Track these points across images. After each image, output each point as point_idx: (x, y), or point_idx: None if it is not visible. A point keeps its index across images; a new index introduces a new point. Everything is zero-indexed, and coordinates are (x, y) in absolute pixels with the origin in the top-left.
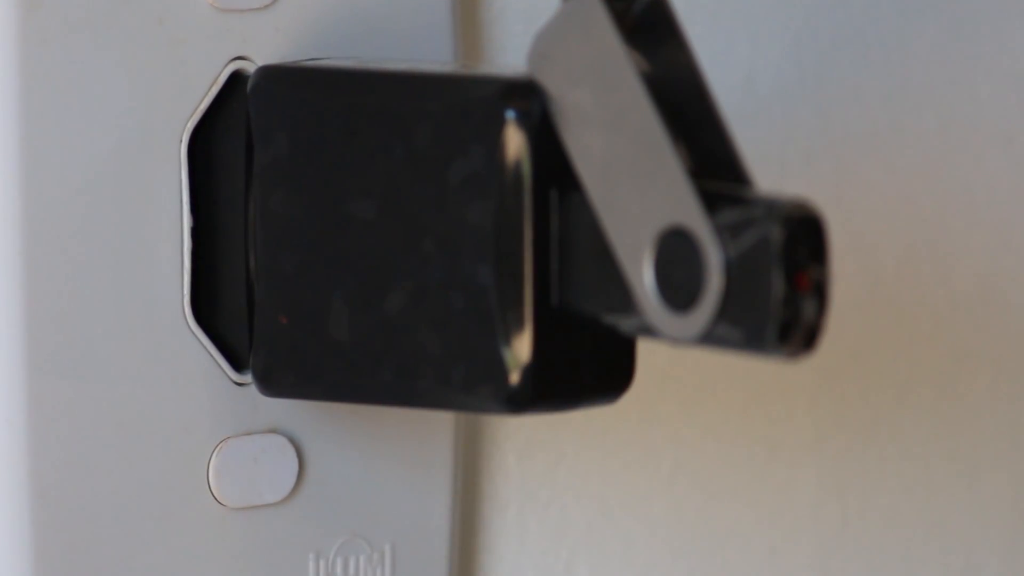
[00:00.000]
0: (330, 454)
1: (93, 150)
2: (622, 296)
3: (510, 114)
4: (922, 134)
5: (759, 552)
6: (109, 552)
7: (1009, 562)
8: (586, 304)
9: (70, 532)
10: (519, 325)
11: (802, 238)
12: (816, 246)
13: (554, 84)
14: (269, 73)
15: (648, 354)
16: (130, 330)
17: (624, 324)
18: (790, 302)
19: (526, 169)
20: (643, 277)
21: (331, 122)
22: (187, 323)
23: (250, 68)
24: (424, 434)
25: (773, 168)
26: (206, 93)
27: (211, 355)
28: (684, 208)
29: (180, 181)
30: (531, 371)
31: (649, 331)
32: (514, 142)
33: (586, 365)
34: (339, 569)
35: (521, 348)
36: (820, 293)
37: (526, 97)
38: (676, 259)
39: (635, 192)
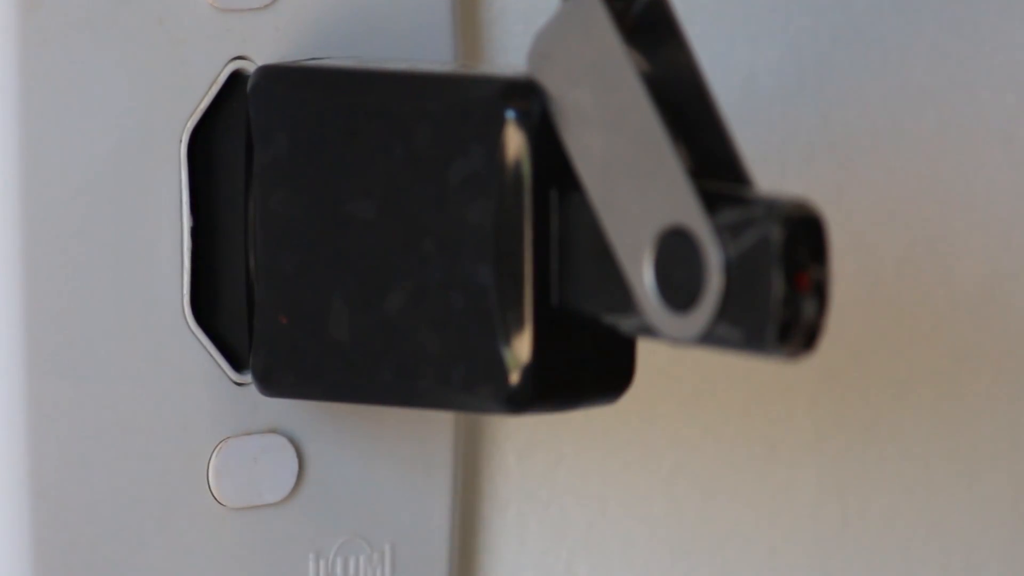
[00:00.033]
0: (330, 454)
1: (93, 150)
2: (622, 296)
3: (510, 114)
4: (922, 134)
5: (759, 552)
6: (109, 552)
7: (1009, 562)
8: (586, 304)
9: (70, 532)
10: (519, 325)
11: (802, 238)
12: (816, 246)
13: (554, 84)
14: (269, 73)
15: (648, 354)
16: (130, 330)
17: (624, 324)
18: (790, 302)
19: (526, 169)
20: (643, 277)
21: (331, 122)
22: (187, 323)
23: (250, 68)
24: (424, 434)
25: (773, 168)
26: (206, 93)
27: (211, 355)
28: (684, 208)
29: (180, 181)
30: (531, 371)
31: (649, 331)
32: (514, 142)
33: (586, 365)
34: (339, 569)
35: (521, 348)
36: (820, 293)
37: (526, 97)
38: (676, 259)
39: (635, 192)
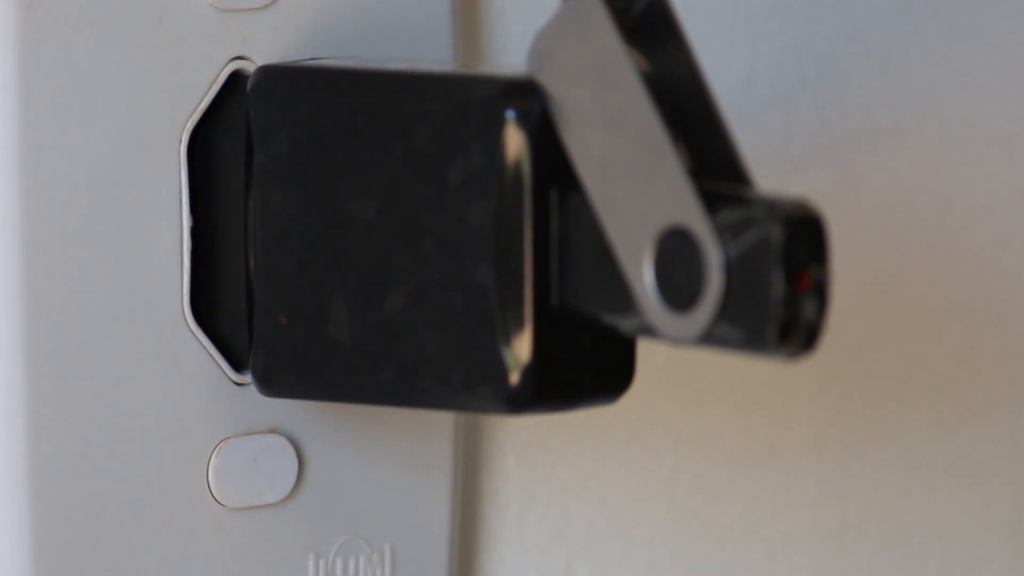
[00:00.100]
0: (330, 454)
1: (93, 150)
2: (622, 296)
3: (510, 114)
4: (922, 134)
5: (759, 553)
6: (109, 552)
7: (1009, 562)
8: (586, 304)
9: (70, 532)
10: (519, 325)
11: (802, 238)
12: (816, 246)
13: (554, 84)
14: (269, 73)
15: (648, 354)
16: (130, 330)
17: (624, 324)
18: (790, 302)
19: (526, 169)
20: (643, 277)
21: (331, 122)
22: (187, 323)
23: (250, 68)
24: (424, 434)
25: (773, 168)
26: (206, 93)
27: (211, 355)
28: (684, 208)
29: (180, 181)
30: (531, 371)
31: (649, 331)
32: (514, 142)
33: (586, 365)
34: (339, 569)
35: (521, 348)
36: (820, 293)
37: (526, 97)
38: (676, 259)
39: (635, 192)
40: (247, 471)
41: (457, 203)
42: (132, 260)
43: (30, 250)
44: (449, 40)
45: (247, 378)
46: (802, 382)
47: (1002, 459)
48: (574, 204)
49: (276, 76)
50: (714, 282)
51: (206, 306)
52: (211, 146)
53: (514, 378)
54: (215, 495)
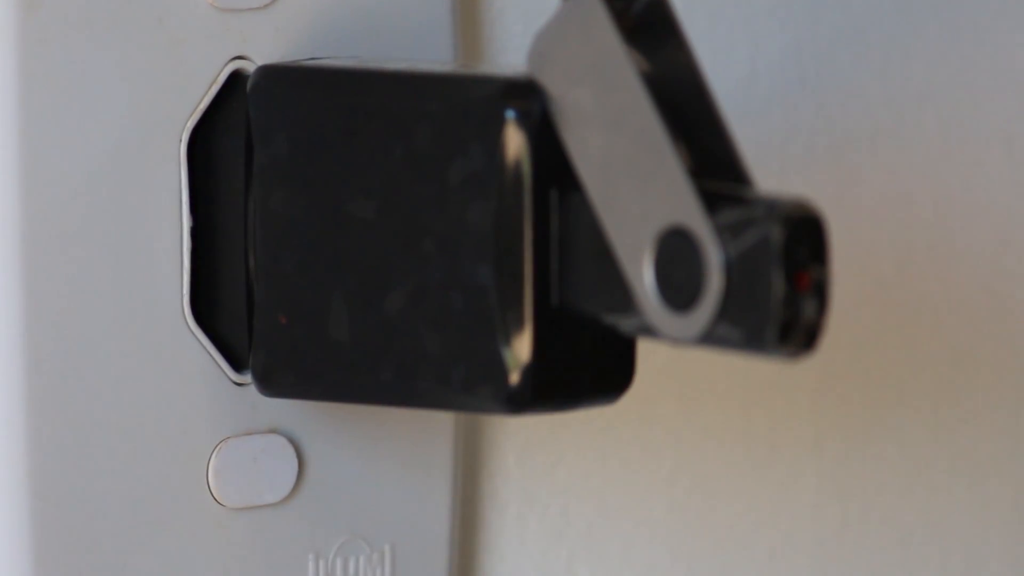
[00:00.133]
0: (330, 454)
1: (93, 150)
2: (622, 296)
3: (510, 114)
4: (922, 134)
5: (759, 553)
6: (108, 552)
7: (1009, 562)
8: (586, 304)
9: (70, 532)
10: (519, 325)
11: (802, 238)
12: (816, 246)
13: (554, 84)
14: (269, 73)
15: (648, 354)
16: (130, 330)
17: (624, 324)
18: (790, 302)
19: (526, 169)
20: (643, 277)
21: (331, 122)
22: (187, 323)
23: (250, 68)
24: (424, 434)
25: (773, 168)
26: (206, 93)
27: (211, 355)
28: (684, 208)
29: (180, 181)
30: (531, 371)
31: (649, 331)
32: (514, 142)
33: (586, 365)
34: (339, 569)
35: (521, 348)
36: (820, 293)
37: (526, 97)
38: (676, 259)
39: (635, 192)
40: (247, 471)
41: (457, 203)
42: (132, 260)
43: (30, 250)
44: (449, 40)
45: (247, 378)
46: (802, 382)
47: (1002, 459)
48: (574, 204)
49: (276, 76)
50: (714, 282)
51: (206, 306)
52: (211, 146)
53: (514, 378)
54: (215, 495)
